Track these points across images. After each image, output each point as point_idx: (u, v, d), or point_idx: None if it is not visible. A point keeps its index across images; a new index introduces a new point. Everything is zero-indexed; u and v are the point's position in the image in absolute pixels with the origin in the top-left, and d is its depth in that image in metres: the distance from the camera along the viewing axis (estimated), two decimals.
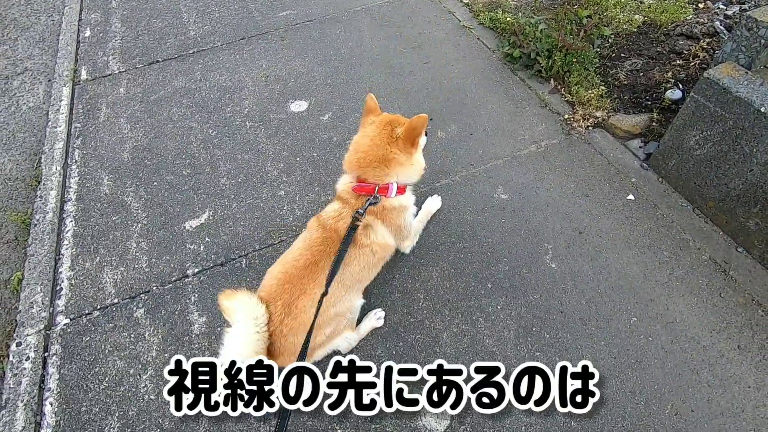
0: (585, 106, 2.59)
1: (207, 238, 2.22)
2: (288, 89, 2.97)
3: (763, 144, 1.74)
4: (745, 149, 1.81)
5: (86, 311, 1.99)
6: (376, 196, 1.57)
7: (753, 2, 2.73)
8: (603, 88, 2.60)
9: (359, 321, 1.81)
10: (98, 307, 2.01)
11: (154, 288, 2.05)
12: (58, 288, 2.09)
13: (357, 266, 1.57)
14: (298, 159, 2.55)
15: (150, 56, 3.33)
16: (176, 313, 1.96)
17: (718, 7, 2.86)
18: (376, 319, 1.87)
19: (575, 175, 2.33)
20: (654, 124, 2.41)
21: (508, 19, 3.06)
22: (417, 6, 3.56)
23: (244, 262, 2.12)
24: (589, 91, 2.60)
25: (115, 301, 2.02)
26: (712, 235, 2.05)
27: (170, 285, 2.06)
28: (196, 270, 2.10)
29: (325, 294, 1.42)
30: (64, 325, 1.96)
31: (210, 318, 1.93)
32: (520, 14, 3.13)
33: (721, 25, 2.61)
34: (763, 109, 1.70)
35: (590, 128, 2.52)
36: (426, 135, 1.69)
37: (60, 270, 2.16)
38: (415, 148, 1.62)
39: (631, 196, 2.22)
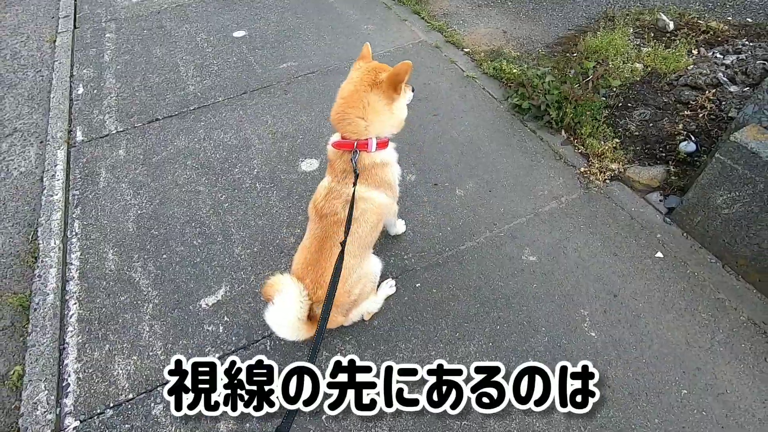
0: (600, 158, 2.59)
1: (226, 318, 2.09)
2: (297, 146, 2.91)
3: None
4: None
5: (98, 410, 1.83)
6: (356, 151, 1.61)
7: (750, 52, 2.82)
8: (616, 140, 2.62)
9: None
10: (111, 404, 1.84)
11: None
12: (64, 384, 1.92)
13: (358, 239, 1.68)
14: None
15: (149, 114, 3.23)
16: None
17: (716, 56, 2.96)
18: (389, 287, 2.11)
19: (600, 233, 2.31)
20: (672, 177, 2.42)
21: (514, 70, 3.08)
22: (418, 56, 3.58)
23: (269, 343, 1.99)
24: (603, 143, 2.62)
25: (130, 396, 1.86)
26: (746, 294, 2.03)
27: None
28: (217, 355, 1.96)
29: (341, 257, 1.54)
30: (74, 429, 1.78)
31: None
32: (525, 65, 3.17)
33: (723, 76, 2.69)
34: None
35: (608, 181, 2.52)
36: (413, 91, 1.79)
37: (66, 362, 1.99)
38: (398, 94, 1.63)
39: (659, 254, 2.20)
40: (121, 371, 1.94)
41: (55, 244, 2.45)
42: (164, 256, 2.36)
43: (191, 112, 3.22)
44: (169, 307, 2.14)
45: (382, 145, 1.69)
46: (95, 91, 3.47)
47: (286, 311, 1.57)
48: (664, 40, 3.31)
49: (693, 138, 2.51)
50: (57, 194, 2.71)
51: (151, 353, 1.99)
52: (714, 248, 2.15)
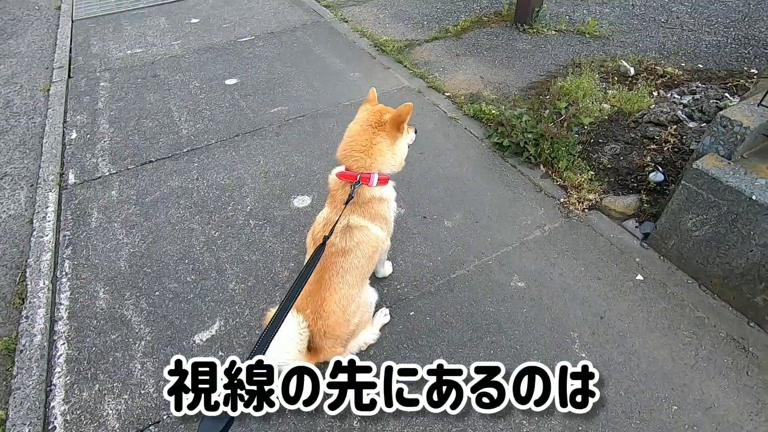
0: (577, 189, 2.76)
1: (221, 352, 2.08)
2: (289, 185, 3.00)
3: (759, 227, 1.90)
4: (743, 232, 1.96)
5: None
6: (358, 181, 1.70)
7: (703, 93, 3.12)
8: (591, 172, 2.80)
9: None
10: None
11: (165, 417, 1.86)
12: (50, 427, 1.85)
13: (356, 269, 1.73)
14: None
15: (142, 156, 3.30)
16: None
17: (674, 97, 3.24)
18: (383, 316, 2.15)
19: (583, 258, 2.42)
20: (644, 204, 2.59)
21: (493, 111, 3.31)
22: (403, 99, 3.79)
23: None
24: (579, 175, 2.80)
25: None
26: (723, 312, 2.14)
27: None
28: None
29: None
30: None
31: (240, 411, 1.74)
32: (503, 107, 3.41)
33: (682, 113, 2.94)
34: (754, 197, 1.88)
35: (586, 210, 2.67)
36: (416, 132, 1.94)
37: (52, 404, 1.93)
38: (401, 133, 1.77)
39: (640, 276, 2.31)
40: (111, 411, 1.89)
41: (44, 284, 2.42)
42: (157, 293, 2.36)
43: (184, 154, 3.31)
44: (162, 344, 2.12)
45: (382, 181, 1.78)
46: (88, 135, 3.55)
47: (287, 343, 1.57)
48: (627, 84, 3.62)
49: (660, 169, 2.71)
50: (47, 235, 2.70)
51: (143, 391, 1.95)
52: (689, 269, 2.27)
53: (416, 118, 3.54)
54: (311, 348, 1.72)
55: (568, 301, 2.22)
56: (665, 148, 2.81)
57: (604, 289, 2.26)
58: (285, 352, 1.56)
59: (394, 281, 2.35)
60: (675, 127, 2.88)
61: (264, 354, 1.25)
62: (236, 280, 2.40)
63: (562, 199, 2.76)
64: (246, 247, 2.59)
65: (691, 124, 2.88)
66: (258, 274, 2.43)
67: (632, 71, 3.81)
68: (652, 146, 2.88)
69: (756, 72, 3.57)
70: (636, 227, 2.55)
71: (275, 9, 5.56)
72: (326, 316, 1.66)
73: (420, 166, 3.08)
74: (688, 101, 3.12)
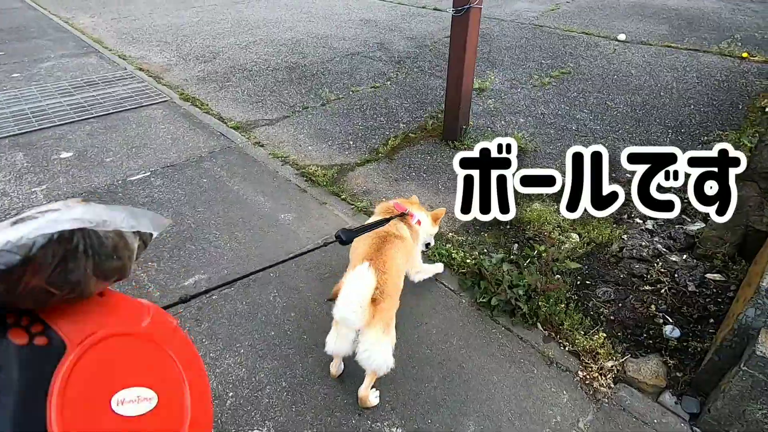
0: (592, 356, 2.34)
1: None
2: (227, 411, 2.10)
3: None
4: None
5: None
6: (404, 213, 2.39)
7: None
8: (603, 333, 2.42)
9: None
10: None
11: None
12: None
13: (401, 252, 2.24)
14: None
15: None
16: None
17: (636, 221, 3.15)
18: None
19: None
20: (673, 371, 2.24)
21: (467, 260, 2.86)
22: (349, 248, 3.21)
23: None
24: (589, 339, 2.39)
25: None
26: None
27: None
28: None
29: None
30: None
31: None
32: (475, 252, 2.99)
33: (661, 246, 2.80)
34: None
35: (612, 386, 2.23)
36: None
37: None
38: (436, 225, 2.67)
39: None
40: None
41: None
42: None
43: None
44: None
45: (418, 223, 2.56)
46: None
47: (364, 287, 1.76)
48: None
49: (670, 320, 2.44)
50: None
51: None
52: None
53: None
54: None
55: None
56: (662, 291, 2.57)
57: None
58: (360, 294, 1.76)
59: None
60: (660, 263, 2.70)
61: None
62: None
63: (580, 373, 2.30)
64: None
65: (674, 258, 2.73)
66: None
67: None
68: (646, 287, 2.64)
69: None
70: (676, 403, 2.15)
71: (173, 134, 4.78)
72: (386, 270, 2.04)
73: (399, 346, 2.43)
74: (652, 225, 3.03)
